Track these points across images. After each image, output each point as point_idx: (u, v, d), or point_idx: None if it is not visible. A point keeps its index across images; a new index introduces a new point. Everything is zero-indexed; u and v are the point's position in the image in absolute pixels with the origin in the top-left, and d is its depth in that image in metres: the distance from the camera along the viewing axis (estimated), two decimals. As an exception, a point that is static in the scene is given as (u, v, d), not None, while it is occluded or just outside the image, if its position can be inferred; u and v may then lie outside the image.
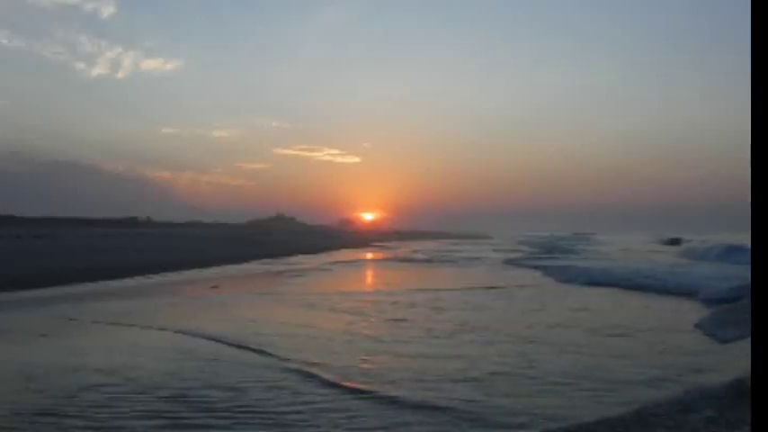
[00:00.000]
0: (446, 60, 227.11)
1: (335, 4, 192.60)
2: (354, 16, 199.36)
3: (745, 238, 56.33)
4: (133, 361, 7.64)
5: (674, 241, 55.41)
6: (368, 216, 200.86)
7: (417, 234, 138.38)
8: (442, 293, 15.67)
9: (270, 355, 7.85)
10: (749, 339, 8.48)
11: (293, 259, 35.02)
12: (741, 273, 18.21)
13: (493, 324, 10.51)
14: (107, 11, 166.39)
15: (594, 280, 18.46)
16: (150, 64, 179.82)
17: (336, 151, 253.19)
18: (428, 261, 33.86)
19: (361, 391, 6.13)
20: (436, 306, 12.96)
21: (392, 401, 5.80)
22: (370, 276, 24.30)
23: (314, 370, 7.02)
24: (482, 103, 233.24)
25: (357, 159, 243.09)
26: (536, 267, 25.69)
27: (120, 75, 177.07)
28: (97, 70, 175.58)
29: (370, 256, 41.95)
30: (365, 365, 7.37)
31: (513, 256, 38.08)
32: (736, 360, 7.48)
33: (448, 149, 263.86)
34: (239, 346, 8.37)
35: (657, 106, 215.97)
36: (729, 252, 28.55)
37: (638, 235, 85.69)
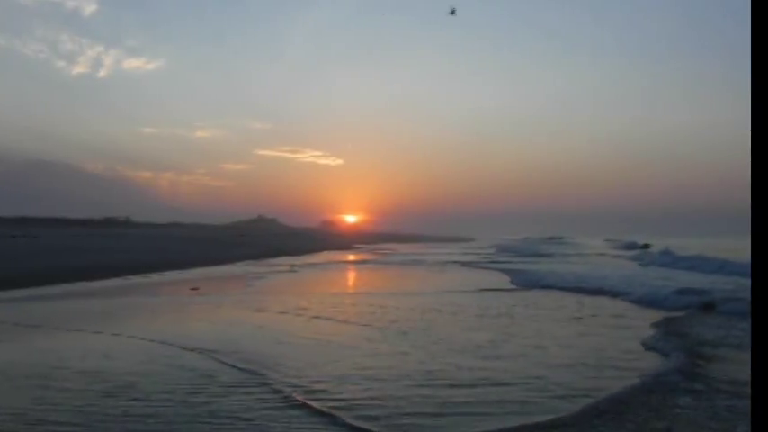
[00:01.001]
0: (432, 63, 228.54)
1: (321, 5, 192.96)
2: (340, 18, 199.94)
3: (714, 244, 57.48)
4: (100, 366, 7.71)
5: (645, 246, 56.62)
6: (350, 218, 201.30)
7: (399, 237, 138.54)
8: (399, 297, 15.91)
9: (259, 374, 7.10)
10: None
11: (274, 261, 35.01)
12: (674, 276, 21.26)
13: (435, 326, 10.76)
14: (89, 9, 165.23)
15: (546, 283, 19.09)
16: (132, 63, 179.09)
17: (319, 153, 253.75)
18: (401, 264, 34.11)
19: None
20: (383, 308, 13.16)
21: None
22: (339, 278, 24.53)
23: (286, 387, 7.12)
24: (469, 106, 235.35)
25: (340, 161, 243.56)
26: (503, 271, 26.47)
27: (101, 74, 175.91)
28: (78, 69, 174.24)
29: (346, 258, 42.14)
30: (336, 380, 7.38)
31: (482, 259, 39.19)
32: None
33: (433, 152, 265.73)
34: (229, 365, 7.54)
35: (645, 111, 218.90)
36: (675, 259, 30.55)
37: (615, 238, 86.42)
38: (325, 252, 51.20)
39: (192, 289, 17.65)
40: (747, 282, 18.95)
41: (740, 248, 49.68)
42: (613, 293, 16.02)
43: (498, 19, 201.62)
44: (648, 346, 8.89)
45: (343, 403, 5.87)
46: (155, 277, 22.18)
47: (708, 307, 12.63)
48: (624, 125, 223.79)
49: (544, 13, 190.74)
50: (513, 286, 18.99)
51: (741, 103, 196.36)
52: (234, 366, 7.36)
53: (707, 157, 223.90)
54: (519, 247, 62.01)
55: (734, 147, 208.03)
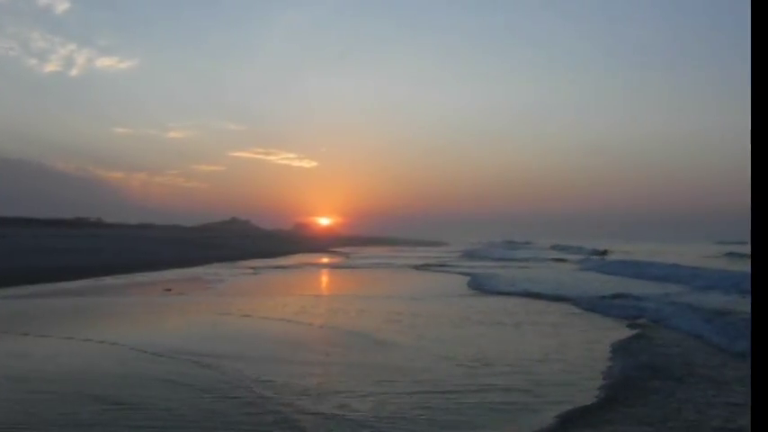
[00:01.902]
0: (409, 67, 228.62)
1: (297, 6, 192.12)
2: (316, 19, 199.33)
3: (681, 250, 59.01)
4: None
5: (603, 252, 58.28)
6: (325, 221, 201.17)
7: (374, 240, 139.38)
8: (357, 300, 16.65)
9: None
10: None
11: (246, 263, 35.41)
12: (607, 282, 22.82)
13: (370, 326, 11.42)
14: (61, 6, 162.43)
15: (495, 289, 19.94)
16: (105, 62, 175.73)
17: (293, 155, 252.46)
18: (367, 267, 34.95)
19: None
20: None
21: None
22: (304, 282, 25.22)
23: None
24: (448, 110, 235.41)
25: (314, 164, 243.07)
26: (461, 273, 27.86)
27: (73, 72, 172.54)
28: (50, 67, 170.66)
29: (315, 261, 42.72)
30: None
31: (445, 262, 40.76)
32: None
33: (409, 155, 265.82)
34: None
35: (620, 119, 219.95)
36: (614, 265, 32.79)
37: (580, 244, 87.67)
38: (297, 255, 51.70)
39: (166, 290, 18.11)
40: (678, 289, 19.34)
41: (699, 254, 51.30)
42: (541, 297, 16.90)
43: (477, 25, 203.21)
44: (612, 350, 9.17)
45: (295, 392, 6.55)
46: (127, 278, 22.49)
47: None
48: (601, 132, 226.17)
49: (523, 21, 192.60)
50: (470, 291, 19.71)
51: (717, 112, 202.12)
52: (211, 369, 7.51)
53: (681, 164, 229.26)
54: (483, 251, 64.66)
55: (710, 154, 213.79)
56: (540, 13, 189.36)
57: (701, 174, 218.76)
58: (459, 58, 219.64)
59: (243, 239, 76.34)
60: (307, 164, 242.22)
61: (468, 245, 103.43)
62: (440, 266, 35.42)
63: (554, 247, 76.29)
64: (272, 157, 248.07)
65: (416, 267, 33.98)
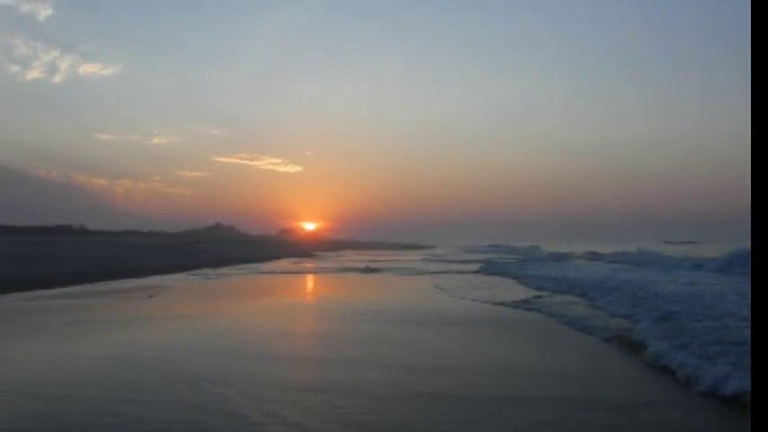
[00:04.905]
0: (394, 70, 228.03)
1: (280, 10, 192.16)
2: (300, 23, 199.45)
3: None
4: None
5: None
6: (310, 226, 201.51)
7: (358, 244, 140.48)
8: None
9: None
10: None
11: (226, 270, 35.81)
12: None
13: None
14: (44, 13, 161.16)
15: None
16: (88, 68, 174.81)
17: (278, 160, 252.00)
18: (340, 271, 35.55)
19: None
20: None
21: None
22: (272, 286, 25.71)
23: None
24: (431, 113, 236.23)
25: (299, 168, 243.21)
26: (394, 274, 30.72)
27: (56, 79, 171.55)
28: (32, 74, 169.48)
29: (290, 266, 43.02)
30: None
31: (392, 266, 41.87)
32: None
33: (394, 159, 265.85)
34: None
35: (608, 120, 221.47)
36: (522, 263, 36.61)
37: (556, 245, 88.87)
38: (278, 260, 52.11)
39: (149, 296, 18.56)
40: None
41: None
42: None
43: (462, 28, 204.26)
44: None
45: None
46: (110, 285, 22.78)
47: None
48: (588, 133, 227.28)
49: (508, 23, 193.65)
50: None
51: (703, 112, 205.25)
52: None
53: (671, 164, 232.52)
54: (446, 255, 69.92)
55: (700, 153, 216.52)
56: (525, 16, 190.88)
57: (690, 173, 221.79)
58: (445, 61, 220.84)
59: (227, 245, 76.54)
60: (291, 169, 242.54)
61: (448, 248, 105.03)
62: (384, 269, 36.75)
63: (513, 251, 77.53)
64: (256, 163, 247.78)
65: (361, 270, 35.66)
